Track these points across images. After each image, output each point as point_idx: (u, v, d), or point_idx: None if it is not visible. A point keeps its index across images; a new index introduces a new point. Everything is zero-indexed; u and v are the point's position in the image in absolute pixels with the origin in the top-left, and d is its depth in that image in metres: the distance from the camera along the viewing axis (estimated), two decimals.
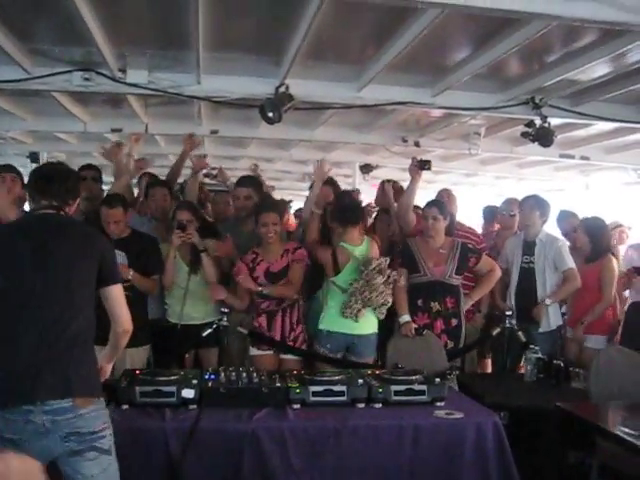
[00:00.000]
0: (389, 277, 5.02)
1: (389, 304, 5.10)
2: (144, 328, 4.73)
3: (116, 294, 3.14)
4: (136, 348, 4.67)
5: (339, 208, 5.32)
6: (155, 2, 4.43)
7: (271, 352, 5.08)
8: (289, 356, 5.10)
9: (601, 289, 5.85)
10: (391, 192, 6.28)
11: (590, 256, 5.97)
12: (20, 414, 2.75)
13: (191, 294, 5.23)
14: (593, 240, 5.96)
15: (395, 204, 6.15)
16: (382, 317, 5.13)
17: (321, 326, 5.12)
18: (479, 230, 6.89)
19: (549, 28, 4.16)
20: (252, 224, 5.34)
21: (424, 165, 5.74)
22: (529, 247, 5.92)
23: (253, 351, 5.11)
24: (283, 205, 6.62)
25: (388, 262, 5.08)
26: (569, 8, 3.70)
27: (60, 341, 2.85)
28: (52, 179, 3.19)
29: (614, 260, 6.02)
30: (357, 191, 7.87)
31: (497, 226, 7.03)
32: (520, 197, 6.27)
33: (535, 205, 5.96)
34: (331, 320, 5.09)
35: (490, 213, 7.30)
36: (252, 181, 5.74)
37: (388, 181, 6.52)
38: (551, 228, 6.31)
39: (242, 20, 4.68)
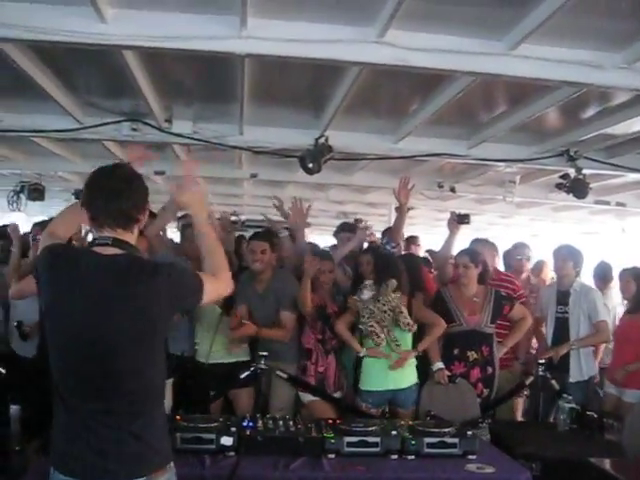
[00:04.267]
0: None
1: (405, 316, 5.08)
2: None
3: None
4: None
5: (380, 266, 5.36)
6: (202, 58, 4.52)
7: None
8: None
9: None
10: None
11: (632, 307, 5.89)
12: None
13: (220, 335, 5.28)
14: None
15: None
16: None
17: (362, 387, 5.13)
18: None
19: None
20: (266, 283, 5.34)
21: (463, 219, 5.79)
22: (563, 297, 5.87)
23: (305, 397, 5.16)
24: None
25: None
26: (599, 76, 3.81)
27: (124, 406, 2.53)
28: None
29: None
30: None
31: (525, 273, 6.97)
32: (555, 239, 6.21)
33: (568, 255, 5.90)
34: (371, 380, 5.12)
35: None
36: (268, 236, 5.62)
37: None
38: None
39: (285, 76, 4.84)
